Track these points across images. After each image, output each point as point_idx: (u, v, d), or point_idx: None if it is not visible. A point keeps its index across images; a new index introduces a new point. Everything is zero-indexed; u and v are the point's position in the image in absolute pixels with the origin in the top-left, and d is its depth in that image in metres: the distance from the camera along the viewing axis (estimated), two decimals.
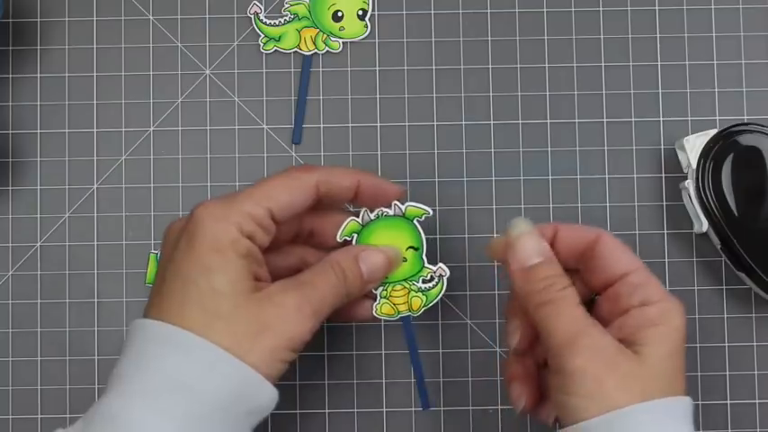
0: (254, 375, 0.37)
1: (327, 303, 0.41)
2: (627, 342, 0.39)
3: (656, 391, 0.38)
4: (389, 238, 0.45)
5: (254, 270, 0.40)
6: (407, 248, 0.46)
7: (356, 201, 0.44)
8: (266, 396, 0.38)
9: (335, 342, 0.50)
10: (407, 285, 0.46)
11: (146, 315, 0.39)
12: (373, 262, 0.43)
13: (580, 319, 0.39)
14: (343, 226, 0.45)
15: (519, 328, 0.42)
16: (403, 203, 0.45)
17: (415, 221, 0.45)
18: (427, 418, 0.49)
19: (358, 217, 0.45)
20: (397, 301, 0.46)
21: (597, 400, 0.37)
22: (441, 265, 0.46)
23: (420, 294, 0.46)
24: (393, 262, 0.45)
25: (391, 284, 0.46)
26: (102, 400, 0.37)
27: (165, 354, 0.37)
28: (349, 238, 0.45)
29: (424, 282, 0.46)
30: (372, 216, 0.45)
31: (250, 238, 0.39)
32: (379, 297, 0.46)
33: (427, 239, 0.46)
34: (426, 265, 0.46)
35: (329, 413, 0.49)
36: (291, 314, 0.39)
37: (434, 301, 0.46)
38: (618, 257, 0.41)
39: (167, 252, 0.40)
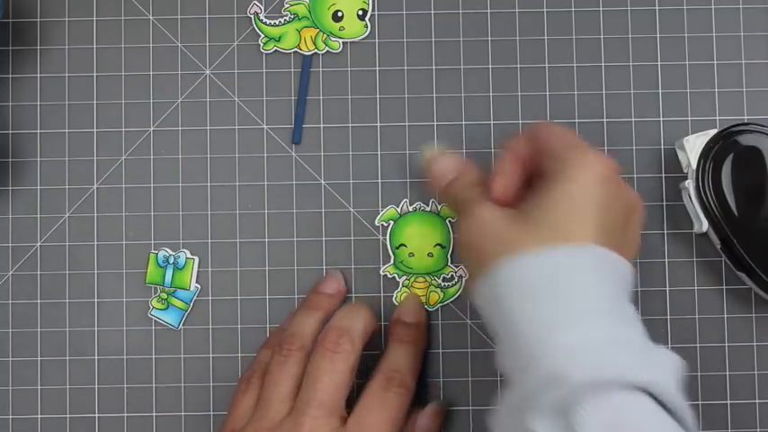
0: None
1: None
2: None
3: (548, 239, 0.39)
4: (421, 232, 0.49)
5: None
6: (435, 245, 0.49)
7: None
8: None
9: None
10: (429, 279, 0.49)
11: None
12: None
13: (469, 200, 0.43)
14: (382, 212, 0.49)
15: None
16: (440, 204, 0.49)
17: (447, 221, 0.49)
18: None
19: (398, 206, 0.49)
20: (416, 292, 0.49)
21: (475, 267, 0.41)
22: (462, 266, 0.48)
23: (439, 290, 0.49)
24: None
25: (415, 276, 0.48)
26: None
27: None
28: (386, 224, 0.49)
29: (444, 279, 0.48)
30: (411, 209, 0.49)
31: None
32: (401, 285, 0.48)
33: None
34: (450, 264, 0.49)
35: None
36: None
37: (451, 300, 0.48)
38: (551, 138, 0.43)
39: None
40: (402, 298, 0.48)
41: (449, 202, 0.47)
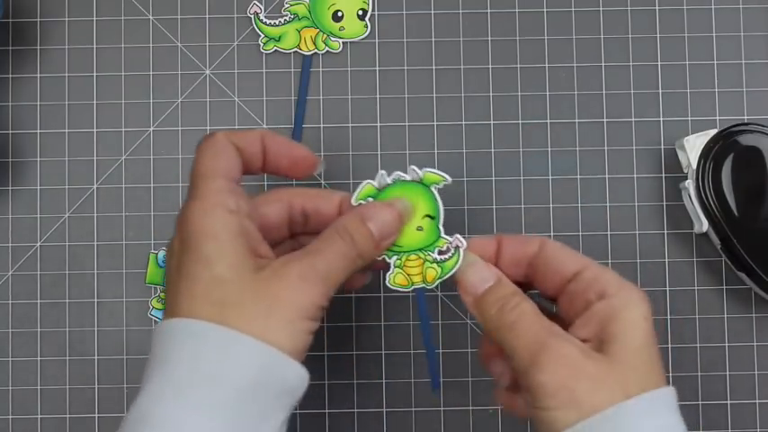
0: (275, 353, 0.36)
1: (336, 269, 0.39)
2: (596, 340, 0.38)
3: (634, 386, 0.37)
4: None
5: (254, 247, 0.38)
6: (424, 217, 0.43)
7: (267, 161, 0.42)
8: (293, 374, 0.37)
9: (335, 342, 0.50)
10: (422, 256, 0.43)
11: (163, 318, 0.39)
12: (382, 219, 0.41)
13: (540, 333, 0.38)
14: (358, 189, 0.43)
15: (506, 370, 0.42)
16: (421, 170, 0.43)
17: (432, 188, 0.43)
18: (427, 417, 0.49)
19: (374, 180, 0.43)
20: (411, 271, 0.44)
21: (570, 410, 0.36)
22: (457, 236, 0.43)
23: (435, 266, 0.43)
24: (404, 215, 0.42)
25: (406, 254, 0.43)
26: (133, 402, 0.37)
27: (182, 346, 0.37)
28: (365, 202, 0.42)
29: (440, 253, 0.43)
30: (389, 180, 0.43)
31: (238, 211, 0.38)
32: (392, 266, 0.43)
33: None
34: (443, 235, 0.43)
35: (329, 413, 0.49)
36: (296, 282, 0.37)
37: (450, 274, 0.43)
38: (565, 258, 0.41)
39: (167, 261, 0.40)
40: (396, 280, 0.43)
41: (483, 315, 0.41)
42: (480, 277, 0.41)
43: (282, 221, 0.42)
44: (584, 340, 0.38)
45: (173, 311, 0.38)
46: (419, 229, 0.43)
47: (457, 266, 0.42)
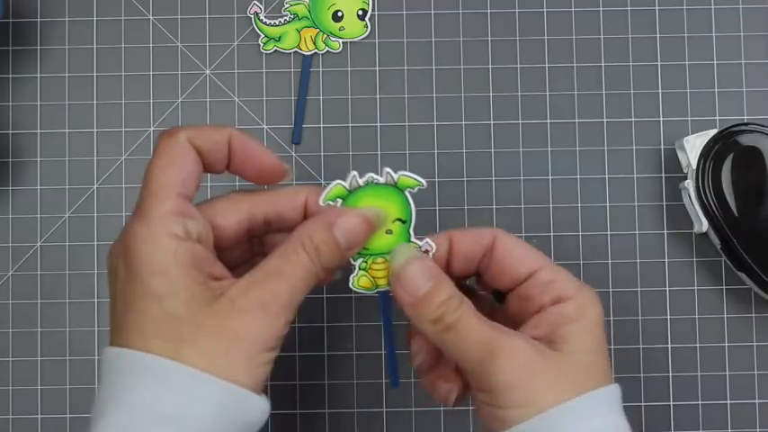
0: (238, 391, 0.35)
1: (300, 290, 0.37)
2: (547, 340, 0.37)
3: (584, 384, 0.36)
4: (377, 207, 0.41)
5: (207, 272, 0.36)
6: (395, 220, 0.41)
7: (232, 165, 0.39)
8: (256, 408, 0.36)
9: (335, 342, 0.50)
10: (389, 259, 0.41)
11: (112, 342, 0.36)
12: (351, 228, 0.38)
13: (485, 334, 0.37)
14: (327, 189, 0.40)
15: (423, 349, 0.41)
16: (396, 173, 0.40)
17: (406, 192, 0.41)
18: (427, 417, 0.49)
19: (345, 181, 0.40)
20: (376, 274, 0.41)
21: (527, 408, 0.36)
22: (428, 240, 0.41)
23: None
24: (374, 224, 0.40)
25: (372, 256, 0.41)
26: None
27: (140, 384, 0.34)
28: (333, 203, 0.40)
29: None
30: (361, 182, 0.40)
31: (187, 236, 0.36)
32: (357, 268, 0.41)
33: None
34: (413, 240, 0.41)
35: (329, 413, 0.49)
36: (259, 318, 0.35)
37: None
38: (520, 256, 0.39)
39: (111, 279, 0.37)
40: (359, 282, 0.41)
41: (422, 318, 0.38)
42: (421, 276, 0.38)
43: (241, 232, 0.39)
44: (534, 338, 0.38)
45: (122, 340, 0.35)
46: (388, 232, 0.41)
47: (398, 256, 0.39)
